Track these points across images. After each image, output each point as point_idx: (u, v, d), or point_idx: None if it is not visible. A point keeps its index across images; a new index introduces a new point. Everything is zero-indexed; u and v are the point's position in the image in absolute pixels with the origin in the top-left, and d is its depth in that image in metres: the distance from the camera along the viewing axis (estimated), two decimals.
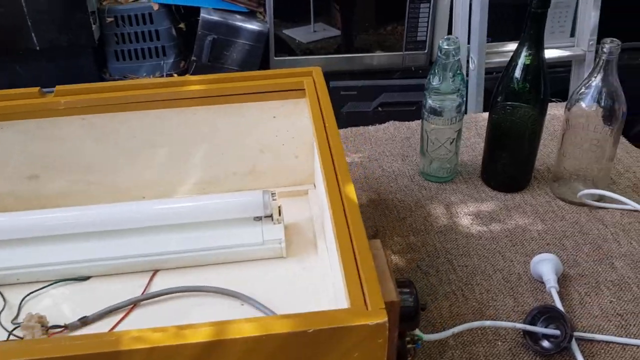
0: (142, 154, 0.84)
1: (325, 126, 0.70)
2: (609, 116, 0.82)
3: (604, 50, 0.78)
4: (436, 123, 0.89)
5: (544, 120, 0.88)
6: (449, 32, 1.78)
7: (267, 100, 0.82)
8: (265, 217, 0.78)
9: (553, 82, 1.78)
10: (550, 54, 1.62)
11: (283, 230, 0.77)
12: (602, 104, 0.81)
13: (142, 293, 0.73)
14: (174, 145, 0.84)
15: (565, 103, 0.86)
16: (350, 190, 0.57)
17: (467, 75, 1.67)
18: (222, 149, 0.85)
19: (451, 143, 0.91)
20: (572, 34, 1.73)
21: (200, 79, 0.82)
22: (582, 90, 0.83)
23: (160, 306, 0.71)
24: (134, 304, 0.71)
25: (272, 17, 1.69)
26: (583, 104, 0.82)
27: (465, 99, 0.90)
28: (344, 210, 0.55)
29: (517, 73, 0.83)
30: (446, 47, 0.85)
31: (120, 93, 0.79)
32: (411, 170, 0.98)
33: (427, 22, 1.79)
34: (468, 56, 1.65)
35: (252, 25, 1.70)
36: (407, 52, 1.83)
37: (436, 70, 0.87)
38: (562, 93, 1.78)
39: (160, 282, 0.74)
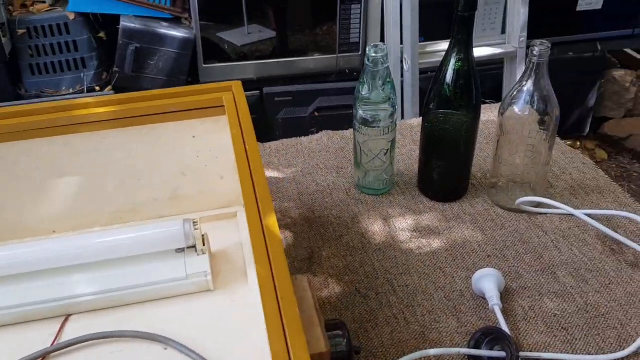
0: (49, 185, 0.76)
1: (245, 148, 0.65)
2: (542, 120, 0.79)
3: (534, 53, 0.76)
4: (368, 134, 0.85)
5: (479, 125, 0.85)
6: (382, 33, 1.75)
7: (184, 120, 0.76)
8: (189, 248, 0.71)
9: (486, 80, 1.78)
10: (482, 52, 1.62)
11: (209, 261, 0.70)
12: (535, 108, 0.79)
13: (53, 343, 0.65)
14: (85, 174, 0.76)
15: (499, 105, 0.83)
16: (273, 223, 0.52)
17: (402, 76, 1.64)
18: (138, 174, 0.78)
19: (385, 154, 0.87)
20: (503, 31, 1.74)
21: (109, 100, 0.75)
22: (514, 94, 0.80)
23: (74, 357, 0.64)
24: (43, 356, 0.64)
25: (198, 22, 1.61)
26: (516, 109, 0.80)
27: (397, 107, 0.86)
28: (267, 248, 0.49)
29: (448, 79, 0.80)
30: (374, 54, 0.80)
31: (17, 120, 0.71)
32: (347, 183, 0.94)
33: (360, 23, 1.76)
34: (402, 57, 1.62)
35: (177, 32, 1.62)
36: (341, 55, 1.79)
37: (365, 79, 0.83)
38: (496, 92, 1.79)
39: (74, 329, 0.67)
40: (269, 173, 0.96)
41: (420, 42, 1.61)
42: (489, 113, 1.10)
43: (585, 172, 0.94)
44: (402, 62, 1.64)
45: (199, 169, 0.80)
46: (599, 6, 1.85)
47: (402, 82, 1.64)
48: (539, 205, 0.86)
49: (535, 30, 1.65)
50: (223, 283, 0.71)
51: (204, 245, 0.71)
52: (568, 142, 1.03)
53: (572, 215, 0.84)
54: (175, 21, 1.66)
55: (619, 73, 2.11)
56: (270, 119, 1.75)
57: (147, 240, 0.70)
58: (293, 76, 1.77)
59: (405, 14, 1.55)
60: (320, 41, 1.77)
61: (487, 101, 1.15)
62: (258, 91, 1.72)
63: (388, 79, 0.83)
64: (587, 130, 2.11)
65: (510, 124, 0.81)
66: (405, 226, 0.84)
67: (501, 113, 0.82)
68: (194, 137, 0.77)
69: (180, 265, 0.69)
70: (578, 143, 2.11)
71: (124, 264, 0.69)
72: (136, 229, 0.73)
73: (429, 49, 1.67)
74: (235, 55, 1.71)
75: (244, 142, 0.66)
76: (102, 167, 0.76)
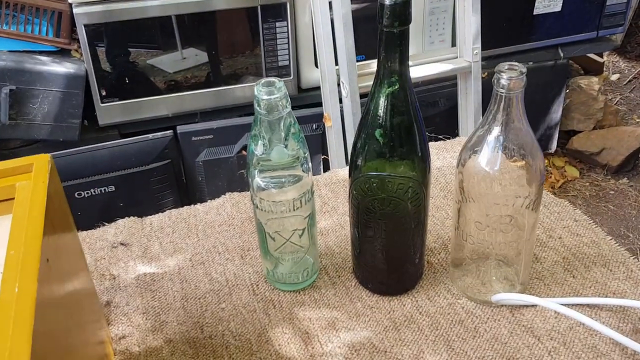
0: None
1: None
2: (521, 178, 0.54)
3: (501, 83, 0.50)
4: (272, 211, 0.58)
5: (429, 184, 0.59)
6: (315, 53, 1.50)
7: None
8: None
9: (435, 101, 1.46)
10: (430, 69, 1.37)
11: None
12: (510, 159, 0.54)
13: None
14: None
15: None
16: None
17: (340, 102, 1.38)
18: None
19: (302, 235, 0.61)
20: (454, 44, 1.50)
21: None
22: (476, 141, 0.55)
23: None
24: None
25: (88, 53, 1.33)
26: (482, 162, 0.54)
27: (310, 167, 0.59)
28: None
29: (378, 126, 0.54)
30: (267, 97, 0.54)
31: None
32: (254, 274, 0.67)
33: (288, 43, 1.50)
34: (339, 80, 1.37)
35: (63, 68, 1.32)
36: None
37: (258, 133, 0.56)
38: (450, 112, 1.55)
39: None
40: (143, 267, 0.68)
41: (359, 61, 1.36)
42: (444, 153, 0.85)
43: (579, 232, 0.69)
44: (339, 85, 1.38)
45: None
46: (558, 8, 1.64)
47: (341, 109, 1.38)
48: (524, 290, 0.60)
49: (489, 39, 1.42)
50: None
51: None
52: None
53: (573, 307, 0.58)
54: (62, 54, 1.37)
55: (584, 81, 1.90)
56: (189, 163, 1.47)
57: None
58: (213, 109, 1.49)
59: (338, 29, 1.30)
60: (244, 67, 1.50)
61: (441, 137, 0.90)
62: (171, 131, 1.44)
63: (292, 129, 0.56)
64: (555, 146, 1.89)
65: (473, 184, 0.55)
66: (336, 344, 0.57)
67: (460, 167, 0.56)
68: None
69: None
70: (546, 161, 1.89)
71: None
72: None
73: (369, 69, 1.42)
74: (164, 84, 1.42)
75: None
76: None
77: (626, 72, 2.51)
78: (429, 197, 0.58)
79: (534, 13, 1.64)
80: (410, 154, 0.55)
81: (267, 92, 0.54)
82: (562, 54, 1.73)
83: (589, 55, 2.00)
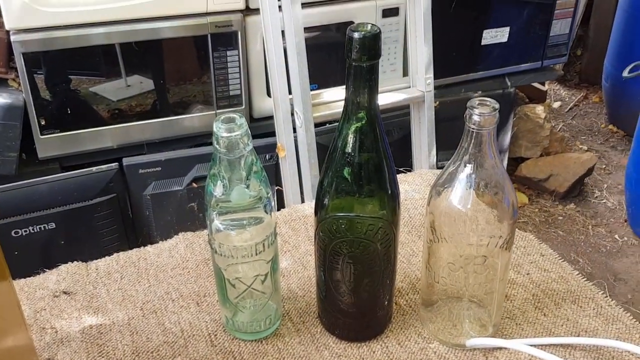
0: None
1: None
2: (493, 217, 0.52)
3: (473, 120, 0.48)
4: (234, 256, 0.54)
5: (399, 221, 0.56)
6: (267, 82, 1.47)
7: None
8: None
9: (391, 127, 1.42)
10: (382, 99, 1.36)
11: None
12: (482, 197, 0.52)
13: None
14: None
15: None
16: None
17: (295, 132, 1.36)
18: None
19: (264, 281, 0.57)
20: (405, 73, 1.51)
21: None
22: (445, 179, 0.53)
23: None
24: None
25: (27, 83, 1.25)
26: (453, 200, 0.52)
27: (273, 207, 0.56)
28: None
29: (347, 164, 0.51)
30: (226, 134, 0.50)
31: None
32: (211, 322, 0.62)
33: (239, 72, 1.46)
34: (292, 110, 1.34)
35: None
36: (220, 110, 1.48)
37: (217, 172, 0.52)
38: (403, 141, 1.55)
39: None
40: (88, 319, 0.62)
41: (312, 90, 1.34)
42: (404, 186, 0.83)
43: (547, 268, 0.68)
44: (293, 114, 1.36)
45: None
46: (505, 39, 1.68)
47: (295, 140, 1.35)
48: (496, 333, 0.58)
49: (438, 68, 1.43)
50: None
51: None
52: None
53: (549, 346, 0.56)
54: None
55: (531, 109, 1.95)
56: (136, 197, 1.40)
57: None
58: (161, 140, 1.43)
59: (291, 58, 1.28)
60: (192, 96, 1.46)
61: (402, 169, 0.88)
62: (116, 163, 1.37)
63: (254, 168, 0.53)
64: None
65: (446, 223, 0.53)
66: None
67: (431, 205, 0.54)
68: None
69: None
70: None
71: None
72: None
73: (323, 99, 1.40)
74: (108, 112, 1.36)
75: None
76: None
77: (567, 99, 2.60)
78: (398, 237, 0.56)
79: (482, 43, 1.67)
80: (380, 193, 0.52)
81: (227, 129, 0.50)
82: (509, 83, 1.77)
83: (532, 84, 2.05)
